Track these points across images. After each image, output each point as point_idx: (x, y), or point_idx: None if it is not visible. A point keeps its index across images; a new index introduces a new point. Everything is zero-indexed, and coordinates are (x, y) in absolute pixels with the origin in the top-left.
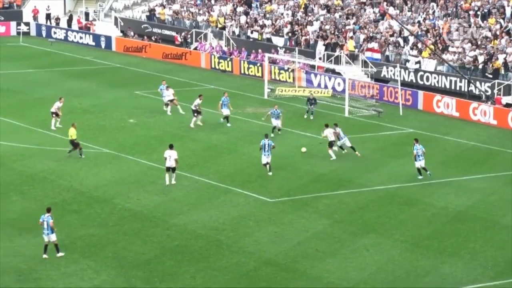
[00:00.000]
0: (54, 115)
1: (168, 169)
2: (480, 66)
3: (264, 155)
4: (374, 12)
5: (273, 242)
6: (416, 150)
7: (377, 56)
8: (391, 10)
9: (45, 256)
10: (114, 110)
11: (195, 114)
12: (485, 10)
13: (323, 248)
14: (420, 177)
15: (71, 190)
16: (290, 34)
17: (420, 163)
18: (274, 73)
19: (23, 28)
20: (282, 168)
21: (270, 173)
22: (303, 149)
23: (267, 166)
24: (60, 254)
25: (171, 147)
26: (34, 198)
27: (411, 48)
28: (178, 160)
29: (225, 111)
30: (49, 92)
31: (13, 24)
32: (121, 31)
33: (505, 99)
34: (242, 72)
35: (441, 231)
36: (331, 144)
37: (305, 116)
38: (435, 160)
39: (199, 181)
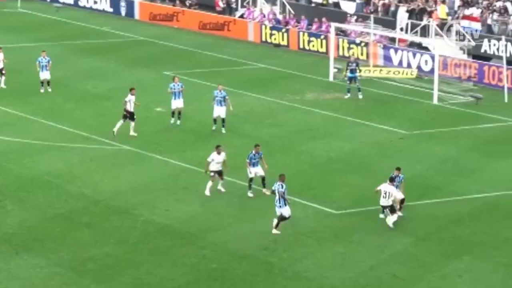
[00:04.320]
0: (127, 117)
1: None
2: None
3: (218, 105)
4: None
5: (339, 265)
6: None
7: (477, 25)
8: None
9: (276, 231)
10: (138, 96)
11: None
12: None
13: (403, 274)
14: None
15: (82, 197)
16: None
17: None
18: (343, 48)
19: None
20: (352, 171)
21: (224, 130)
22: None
23: (222, 121)
24: (276, 231)
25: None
26: (35, 208)
27: None
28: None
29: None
30: (56, 72)
31: None
32: None
33: None
34: (301, 47)
35: None
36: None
37: (346, 96)
38: None
39: (244, 187)
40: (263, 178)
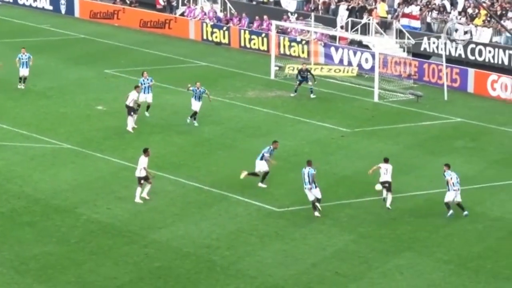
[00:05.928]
0: (130, 112)
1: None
2: None
3: (196, 100)
4: None
5: (281, 263)
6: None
7: (416, 24)
8: None
9: (318, 214)
10: (78, 94)
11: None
12: None
13: (345, 271)
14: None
15: (22, 196)
16: None
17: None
18: (284, 46)
19: None
20: (293, 169)
21: (196, 123)
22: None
23: (194, 114)
24: (317, 213)
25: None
26: None
27: (460, 14)
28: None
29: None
30: None
31: None
32: None
33: None
34: (243, 45)
35: (496, 249)
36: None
37: (292, 95)
38: (489, 158)
39: (186, 185)
40: (266, 173)
